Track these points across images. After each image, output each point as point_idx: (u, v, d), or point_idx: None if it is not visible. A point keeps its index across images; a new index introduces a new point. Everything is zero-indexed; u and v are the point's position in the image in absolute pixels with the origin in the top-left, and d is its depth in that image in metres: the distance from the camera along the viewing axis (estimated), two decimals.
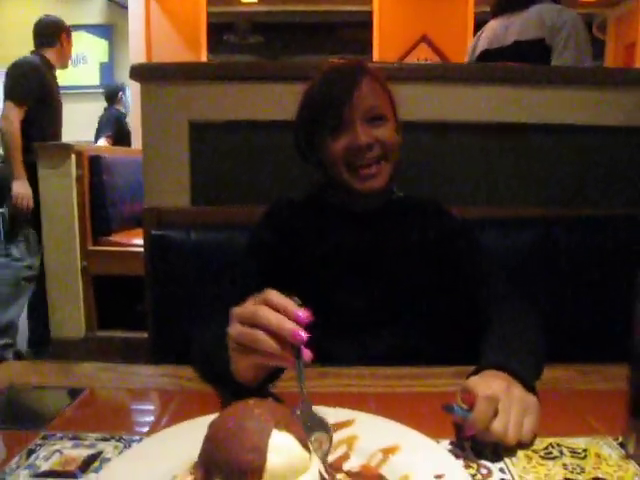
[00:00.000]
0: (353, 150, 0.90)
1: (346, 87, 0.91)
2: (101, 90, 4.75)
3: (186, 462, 0.44)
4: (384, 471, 0.49)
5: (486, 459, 0.53)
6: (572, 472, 0.51)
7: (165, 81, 1.32)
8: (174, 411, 0.64)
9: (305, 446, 0.41)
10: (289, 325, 0.53)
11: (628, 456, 0.53)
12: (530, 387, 0.60)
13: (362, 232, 0.96)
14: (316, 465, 0.42)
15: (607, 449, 0.55)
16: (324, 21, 5.22)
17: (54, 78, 2.77)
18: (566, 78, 1.34)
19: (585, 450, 0.55)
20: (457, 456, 0.53)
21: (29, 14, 3.53)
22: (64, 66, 2.88)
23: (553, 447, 0.55)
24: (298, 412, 0.52)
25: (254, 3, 4.75)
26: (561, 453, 0.54)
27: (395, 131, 0.96)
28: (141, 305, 1.29)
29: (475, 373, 0.62)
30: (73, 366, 0.80)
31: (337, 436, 0.54)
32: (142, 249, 1.27)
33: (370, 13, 4.32)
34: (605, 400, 0.67)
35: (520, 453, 0.54)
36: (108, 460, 0.52)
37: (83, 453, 0.54)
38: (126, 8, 4.48)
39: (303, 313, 0.54)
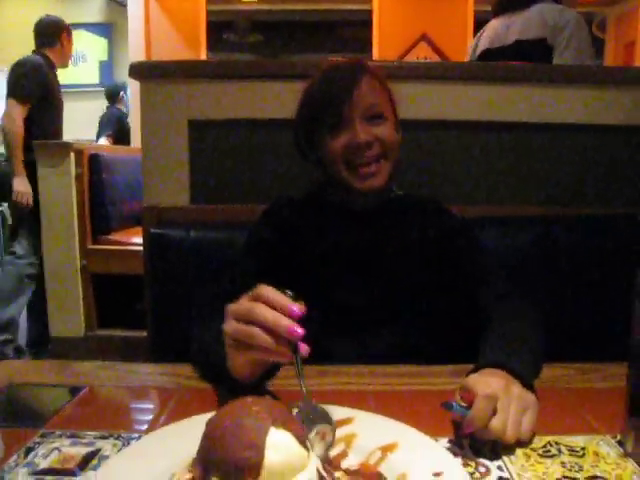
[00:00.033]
0: (352, 148, 0.90)
1: (346, 85, 0.91)
2: (100, 89, 4.75)
3: (184, 460, 0.44)
4: (382, 469, 0.50)
5: (484, 457, 0.53)
6: (570, 470, 0.51)
7: (164, 79, 1.32)
8: (173, 409, 0.64)
9: (303, 444, 0.41)
10: (285, 322, 0.53)
11: (626, 454, 0.53)
12: (529, 385, 0.60)
13: (361, 231, 0.96)
14: (314, 463, 0.42)
15: (605, 447, 0.55)
16: (324, 20, 5.21)
17: (55, 77, 2.80)
18: (565, 77, 1.33)
19: (583, 448, 0.55)
20: (455, 454, 0.53)
21: (29, 13, 3.53)
22: (65, 65, 2.91)
23: (551, 445, 0.55)
24: (296, 410, 0.52)
25: (254, 2, 4.74)
26: (559, 451, 0.54)
27: (395, 129, 0.96)
28: (140, 304, 1.29)
29: (474, 371, 0.63)
30: (72, 364, 0.80)
31: (336, 434, 0.54)
32: (141, 248, 1.27)
33: (370, 12, 4.31)
34: (604, 399, 0.67)
35: (518, 451, 0.54)
36: (107, 458, 0.52)
37: (82, 451, 0.54)
38: (125, 6, 4.47)
39: (297, 307, 0.54)
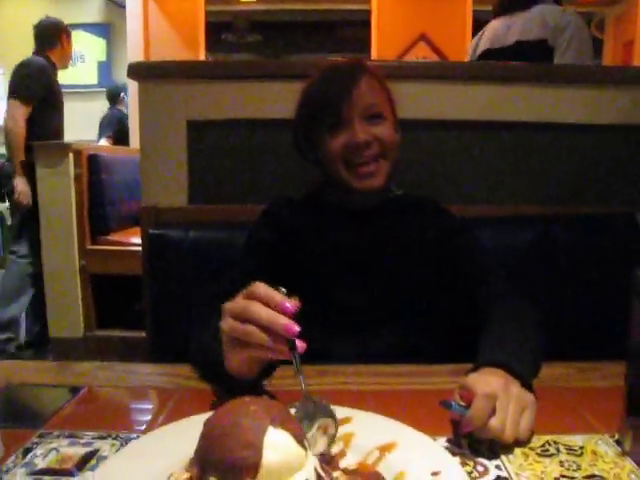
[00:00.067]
0: (351, 148, 0.91)
1: (345, 85, 0.91)
2: (99, 89, 4.74)
3: (183, 460, 0.44)
4: (381, 468, 0.49)
5: (483, 456, 0.53)
6: (568, 469, 0.51)
7: (163, 80, 1.32)
8: (172, 409, 0.64)
9: (301, 443, 0.41)
10: (281, 320, 0.53)
11: (624, 453, 0.53)
12: (528, 385, 0.60)
13: (360, 230, 0.96)
14: (312, 462, 0.42)
15: (603, 446, 0.55)
16: (322, 20, 5.21)
17: (56, 78, 2.81)
18: (564, 76, 1.34)
19: (582, 447, 0.55)
20: (454, 453, 0.53)
21: (27, 14, 3.53)
22: (65, 66, 2.94)
23: (550, 444, 0.55)
24: (294, 410, 0.52)
25: (252, 2, 4.74)
26: (558, 450, 0.54)
27: (394, 129, 0.96)
28: (139, 304, 1.29)
29: (473, 370, 0.63)
30: (71, 365, 0.80)
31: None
32: (140, 248, 1.27)
33: (369, 12, 4.31)
34: (602, 398, 0.67)
35: (517, 450, 0.54)
36: (105, 458, 0.52)
37: (80, 451, 0.54)
38: (124, 7, 4.46)
39: (290, 303, 0.54)
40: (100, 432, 0.57)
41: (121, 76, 4.67)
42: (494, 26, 1.91)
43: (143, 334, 1.22)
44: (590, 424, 0.60)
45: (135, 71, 1.34)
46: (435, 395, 0.59)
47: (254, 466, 0.38)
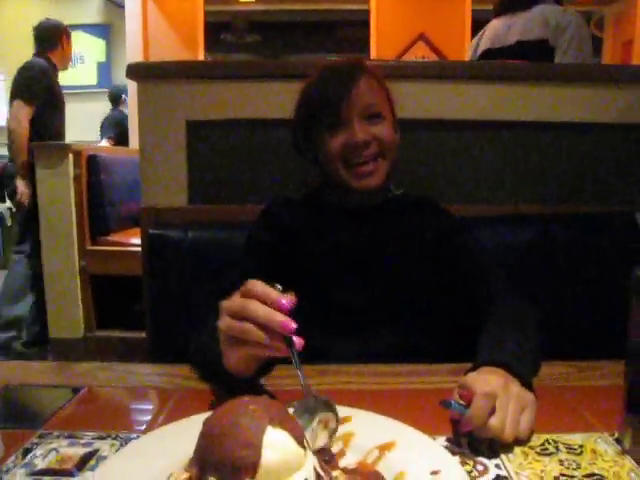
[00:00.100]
0: (350, 147, 0.91)
1: (344, 85, 0.91)
2: (98, 90, 4.74)
3: (182, 459, 0.44)
4: (380, 468, 0.49)
5: (482, 455, 0.53)
6: (568, 468, 0.51)
7: (162, 80, 1.32)
8: (171, 410, 0.64)
9: (300, 442, 0.41)
10: (278, 317, 0.53)
11: (624, 452, 0.53)
12: (527, 384, 0.60)
13: (360, 230, 0.96)
14: (311, 462, 0.42)
15: (603, 445, 0.55)
16: (322, 20, 5.21)
17: (57, 79, 2.83)
18: (563, 76, 1.34)
19: (581, 446, 0.55)
20: (453, 452, 0.53)
21: (26, 15, 3.54)
22: (65, 67, 2.97)
23: (549, 443, 0.55)
24: (292, 410, 0.52)
25: (251, 2, 4.73)
26: (557, 449, 0.54)
27: (393, 129, 0.96)
28: (139, 304, 1.29)
29: (473, 370, 0.63)
30: (71, 365, 0.80)
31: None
32: (140, 249, 1.27)
33: (368, 12, 4.31)
34: (601, 396, 0.67)
35: (516, 449, 0.54)
36: (105, 458, 0.52)
37: (79, 451, 0.54)
38: (123, 7, 4.46)
39: (286, 300, 0.54)
40: (100, 432, 0.57)
41: (121, 77, 4.67)
42: (495, 26, 1.91)
43: (143, 334, 1.22)
44: (590, 423, 0.60)
45: (134, 71, 1.34)
46: (435, 394, 0.59)
47: (253, 466, 0.38)
